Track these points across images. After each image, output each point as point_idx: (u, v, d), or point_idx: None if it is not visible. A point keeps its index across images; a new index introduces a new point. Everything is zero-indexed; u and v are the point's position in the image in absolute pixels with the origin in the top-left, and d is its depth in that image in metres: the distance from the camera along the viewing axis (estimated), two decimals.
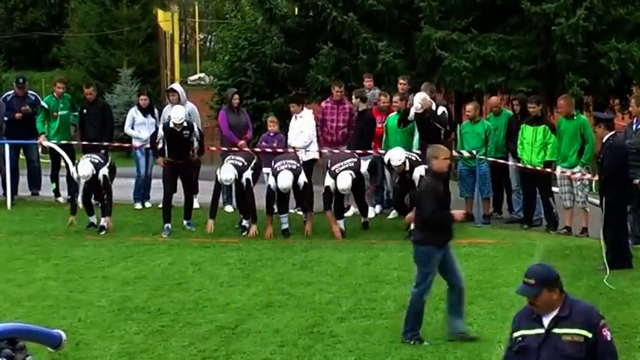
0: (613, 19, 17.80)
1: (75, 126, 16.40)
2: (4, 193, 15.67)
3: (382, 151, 13.92)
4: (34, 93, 16.77)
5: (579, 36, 17.18)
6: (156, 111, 15.55)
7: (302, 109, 14.79)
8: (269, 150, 14.44)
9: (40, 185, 16.39)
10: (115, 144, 16.33)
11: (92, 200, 13.92)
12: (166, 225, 13.51)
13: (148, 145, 14.79)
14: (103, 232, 13.44)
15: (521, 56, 18.02)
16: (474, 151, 13.91)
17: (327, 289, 10.42)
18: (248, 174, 13.16)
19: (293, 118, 14.72)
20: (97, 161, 13.50)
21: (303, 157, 14.32)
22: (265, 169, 13.93)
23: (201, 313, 9.59)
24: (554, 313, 5.08)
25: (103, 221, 13.51)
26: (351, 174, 12.99)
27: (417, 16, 18.56)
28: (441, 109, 13.45)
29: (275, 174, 12.99)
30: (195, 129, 13.82)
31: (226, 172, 13.03)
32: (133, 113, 15.49)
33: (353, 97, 14.74)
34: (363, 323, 9.14)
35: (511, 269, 10.84)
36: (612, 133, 11.38)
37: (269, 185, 13.18)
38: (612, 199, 11.17)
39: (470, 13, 18.52)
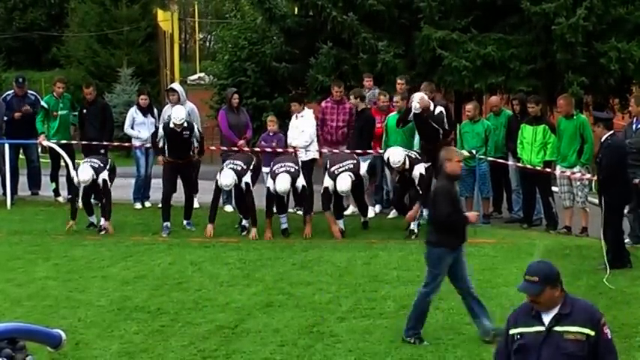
0: (613, 19, 17.80)
1: (75, 126, 16.41)
2: (4, 193, 15.67)
3: (382, 151, 13.92)
4: (33, 93, 16.76)
5: (579, 35, 17.18)
6: (155, 111, 15.56)
7: (303, 108, 14.79)
8: (268, 150, 14.45)
9: (40, 185, 16.40)
10: (115, 144, 16.35)
11: (92, 200, 13.93)
12: (165, 224, 13.51)
13: (148, 145, 14.80)
14: (102, 232, 13.45)
15: (521, 56, 18.02)
16: (474, 151, 13.91)
17: (326, 288, 10.42)
18: (247, 177, 13.15)
19: (293, 117, 14.71)
20: (97, 166, 13.51)
21: (304, 156, 14.33)
22: (265, 169, 13.93)
23: (201, 312, 9.59)
24: (555, 310, 5.06)
25: (103, 222, 13.51)
26: (350, 175, 12.99)
27: (416, 16, 18.56)
28: (439, 109, 13.44)
29: (273, 176, 12.99)
30: (196, 130, 13.82)
31: (226, 178, 13.01)
32: (133, 113, 15.49)
33: (352, 97, 14.69)
34: (363, 323, 9.14)
35: (511, 269, 10.84)
36: (611, 132, 11.37)
37: (268, 187, 13.16)
38: (611, 198, 11.18)
39: (470, 12, 18.52)
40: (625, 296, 10.04)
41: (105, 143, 15.34)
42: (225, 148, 15.04)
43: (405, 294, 10.08)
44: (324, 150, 14.62)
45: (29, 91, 16.50)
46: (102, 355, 8.38)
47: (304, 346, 8.50)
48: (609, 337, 5.06)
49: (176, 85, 16.41)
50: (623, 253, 11.25)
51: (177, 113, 13.37)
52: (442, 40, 17.99)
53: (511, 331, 5.18)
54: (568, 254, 11.82)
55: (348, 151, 14.09)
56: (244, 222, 13.47)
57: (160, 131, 13.81)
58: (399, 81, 15.23)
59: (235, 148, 14.60)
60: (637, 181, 11.77)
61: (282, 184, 12.85)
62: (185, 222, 13.80)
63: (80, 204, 13.66)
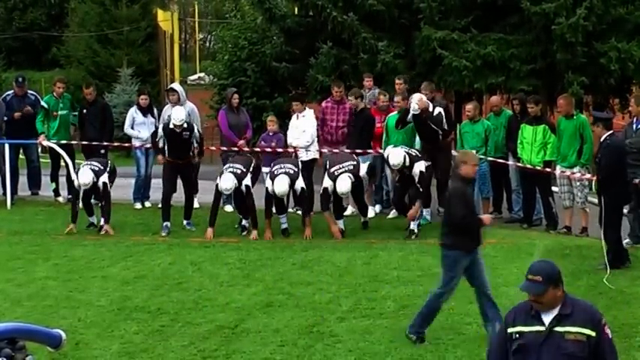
0: (613, 19, 17.80)
1: (75, 126, 16.41)
2: (4, 193, 15.67)
3: (382, 151, 13.92)
4: (33, 93, 16.76)
5: (579, 35, 17.18)
6: (155, 111, 15.56)
7: (304, 108, 14.79)
8: (268, 150, 14.45)
9: (40, 185, 16.40)
10: (115, 144, 16.35)
11: (92, 200, 13.93)
12: (165, 224, 13.51)
13: (148, 145, 14.80)
14: (102, 232, 13.45)
15: (521, 56, 18.02)
16: (474, 151, 13.90)
17: (327, 288, 10.42)
18: (247, 180, 13.15)
19: (294, 116, 14.71)
20: (97, 169, 13.52)
21: (304, 156, 14.32)
22: (265, 169, 13.93)
23: (201, 312, 9.59)
24: (556, 311, 5.04)
25: (103, 222, 13.51)
26: (350, 177, 12.98)
27: (416, 16, 18.56)
28: (437, 110, 13.43)
29: (272, 178, 12.99)
30: (195, 131, 13.81)
31: (226, 182, 13.01)
32: (133, 113, 15.49)
33: (352, 98, 14.63)
34: (363, 323, 9.14)
35: (511, 269, 10.84)
36: (610, 132, 11.38)
37: (267, 188, 13.16)
38: (611, 198, 11.18)
39: (470, 12, 18.52)
40: (625, 296, 10.04)
41: (105, 143, 15.35)
42: (225, 149, 15.04)
43: (405, 294, 10.10)
44: (324, 150, 14.62)
45: (29, 91, 16.50)
46: (102, 355, 8.38)
47: (304, 346, 8.50)
48: (610, 337, 5.06)
49: (176, 85, 16.40)
50: (622, 253, 11.28)
51: (176, 114, 13.36)
52: (442, 40, 17.99)
53: (509, 330, 5.15)
54: (568, 254, 11.82)
55: (349, 150, 14.09)
56: (244, 222, 13.47)
57: (160, 131, 13.81)
58: (397, 81, 15.21)
59: (235, 148, 14.60)
60: (637, 181, 11.77)
61: (281, 185, 12.85)
62: (185, 222, 13.80)
63: (80, 204, 13.67)
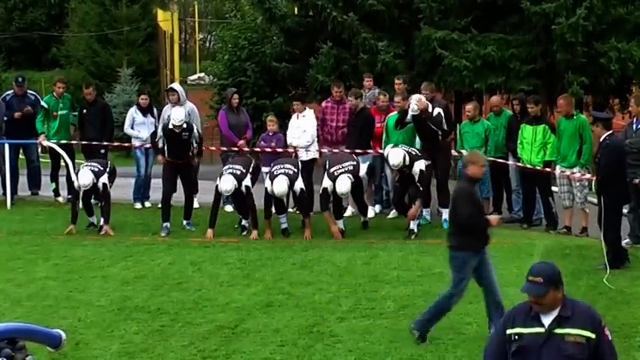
0: (613, 19, 17.80)
1: (75, 126, 16.41)
2: (4, 193, 15.67)
3: (382, 151, 13.92)
4: (33, 92, 16.76)
5: (579, 35, 17.18)
6: (155, 111, 15.55)
7: (305, 107, 14.80)
8: (268, 150, 14.45)
9: (40, 185, 16.39)
10: (115, 144, 16.34)
11: (92, 200, 13.93)
12: (165, 224, 13.51)
13: (148, 145, 14.80)
14: (102, 233, 13.45)
15: (521, 56, 18.02)
16: None
17: (326, 288, 10.42)
18: (247, 181, 13.15)
19: (294, 116, 14.71)
20: (96, 170, 13.52)
21: (304, 156, 14.32)
22: (264, 169, 13.93)
23: (201, 312, 9.59)
24: (556, 312, 5.04)
25: (103, 223, 13.52)
26: (349, 177, 12.98)
27: (416, 16, 18.55)
28: (437, 111, 13.42)
29: (271, 178, 12.99)
30: (195, 131, 13.81)
31: (226, 183, 13.00)
32: (133, 113, 15.49)
33: (352, 98, 14.61)
34: (363, 323, 9.14)
35: (511, 269, 10.84)
36: (609, 132, 11.38)
37: (266, 188, 13.16)
38: (610, 198, 11.19)
39: (470, 12, 18.51)
40: (625, 296, 10.04)
41: (105, 143, 15.35)
42: (225, 149, 15.04)
43: (405, 294, 10.10)
44: (324, 150, 14.62)
45: (29, 91, 16.50)
46: (102, 355, 8.38)
47: (304, 346, 8.50)
48: (610, 339, 5.06)
49: (176, 85, 16.39)
50: (622, 253, 11.28)
51: (176, 114, 13.36)
52: (442, 40, 17.99)
53: (508, 331, 5.14)
54: (568, 254, 11.82)
55: (348, 150, 14.09)
56: (244, 222, 13.47)
57: (159, 131, 13.80)
58: (397, 81, 15.19)
59: (235, 149, 14.60)
60: (637, 181, 11.77)
61: (280, 186, 12.86)
62: (185, 222, 13.80)
63: (80, 204, 13.67)
